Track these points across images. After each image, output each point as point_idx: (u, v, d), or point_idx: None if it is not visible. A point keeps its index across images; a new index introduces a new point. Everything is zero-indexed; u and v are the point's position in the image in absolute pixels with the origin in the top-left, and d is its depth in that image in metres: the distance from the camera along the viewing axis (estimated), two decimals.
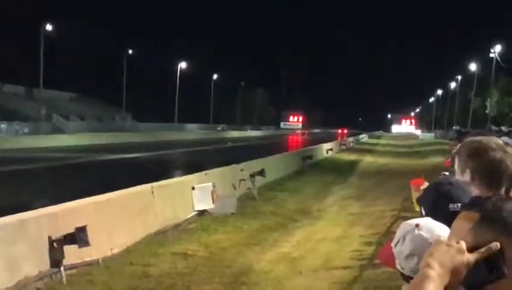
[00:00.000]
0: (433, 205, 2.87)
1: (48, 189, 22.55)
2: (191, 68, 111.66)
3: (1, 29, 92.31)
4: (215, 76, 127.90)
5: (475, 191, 2.44)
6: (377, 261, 11.38)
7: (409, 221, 2.50)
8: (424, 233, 2.38)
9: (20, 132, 65.83)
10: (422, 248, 2.32)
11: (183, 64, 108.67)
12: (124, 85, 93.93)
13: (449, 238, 1.72)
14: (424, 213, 2.90)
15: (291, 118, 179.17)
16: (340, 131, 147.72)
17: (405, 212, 16.93)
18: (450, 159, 10.99)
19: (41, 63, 69.68)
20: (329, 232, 14.78)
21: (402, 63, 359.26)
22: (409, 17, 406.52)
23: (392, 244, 2.48)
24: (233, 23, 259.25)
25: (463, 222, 1.71)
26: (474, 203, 1.76)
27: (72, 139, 57.20)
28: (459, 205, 2.82)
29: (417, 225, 2.42)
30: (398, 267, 2.45)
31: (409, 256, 2.39)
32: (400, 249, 2.42)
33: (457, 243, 1.62)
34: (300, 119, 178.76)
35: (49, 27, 72.07)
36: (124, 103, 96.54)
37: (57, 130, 70.78)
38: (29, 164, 32.63)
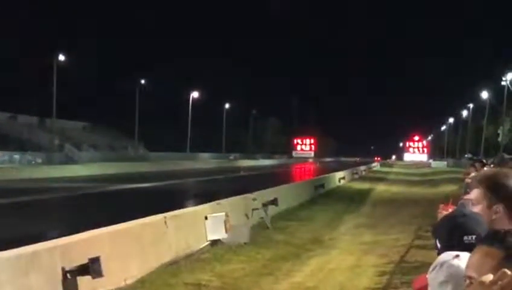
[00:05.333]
0: (448, 238, 2.88)
1: (61, 219, 22.59)
2: (203, 97, 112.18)
3: (13, 59, 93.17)
4: (227, 105, 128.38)
5: (496, 223, 2.42)
6: None
7: (450, 252, 2.52)
8: (462, 264, 2.39)
9: (33, 162, 66.18)
10: (458, 277, 2.34)
11: (195, 94, 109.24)
12: (136, 114, 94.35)
13: (468, 272, 1.70)
14: (439, 246, 2.90)
15: (303, 147, 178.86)
16: (376, 159, 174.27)
17: (418, 241, 16.90)
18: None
19: (54, 93, 70.14)
20: (343, 262, 14.70)
21: (413, 90, 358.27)
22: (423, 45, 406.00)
23: (428, 272, 2.50)
24: (244, 53, 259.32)
25: (484, 258, 1.68)
26: (494, 239, 1.73)
27: (84, 169, 57.38)
28: (474, 237, 2.83)
29: (457, 256, 2.44)
30: None
31: (443, 283, 2.40)
32: (436, 275, 2.44)
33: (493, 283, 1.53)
34: (313, 147, 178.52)
35: (61, 57, 72.72)
36: (137, 132, 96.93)
37: (70, 160, 71.08)
38: (42, 194, 32.69)
